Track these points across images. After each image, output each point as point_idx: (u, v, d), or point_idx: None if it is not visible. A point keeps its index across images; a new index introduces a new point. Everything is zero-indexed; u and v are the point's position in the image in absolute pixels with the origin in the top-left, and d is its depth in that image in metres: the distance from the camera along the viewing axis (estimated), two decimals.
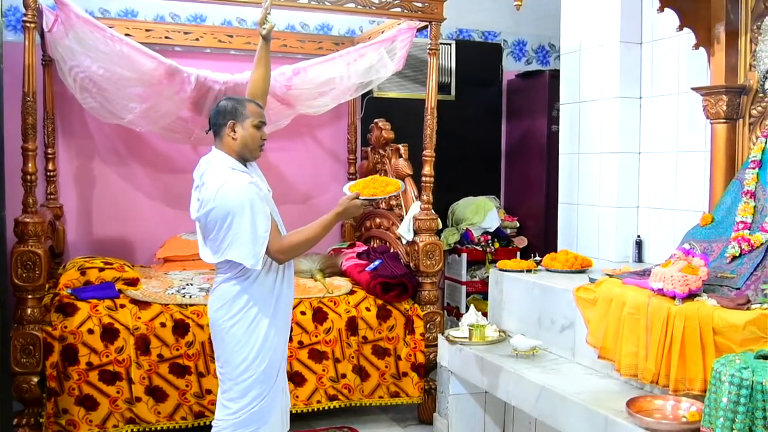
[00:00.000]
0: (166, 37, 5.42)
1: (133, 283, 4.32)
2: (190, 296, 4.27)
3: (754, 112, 3.58)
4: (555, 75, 5.38)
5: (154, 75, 4.52)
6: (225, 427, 3.12)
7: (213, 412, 4.06)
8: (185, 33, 5.48)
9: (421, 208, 4.65)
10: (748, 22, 3.58)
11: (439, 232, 4.79)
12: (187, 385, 4.12)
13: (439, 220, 4.71)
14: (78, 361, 3.96)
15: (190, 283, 4.51)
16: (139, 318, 4.10)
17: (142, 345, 4.06)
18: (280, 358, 3.18)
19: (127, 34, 4.91)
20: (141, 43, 4.60)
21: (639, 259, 4.31)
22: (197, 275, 4.82)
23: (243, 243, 2.96)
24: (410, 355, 4.52)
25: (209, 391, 4.13)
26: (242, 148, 3.13)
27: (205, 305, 4.18)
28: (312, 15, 5.78)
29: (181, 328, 4.13)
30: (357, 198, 3.23)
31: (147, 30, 5.36)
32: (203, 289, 4.38)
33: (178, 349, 4.11)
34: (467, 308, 4.34)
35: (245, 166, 3.16)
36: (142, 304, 4.17)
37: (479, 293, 6.04)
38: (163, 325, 4.11)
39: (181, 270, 5.05)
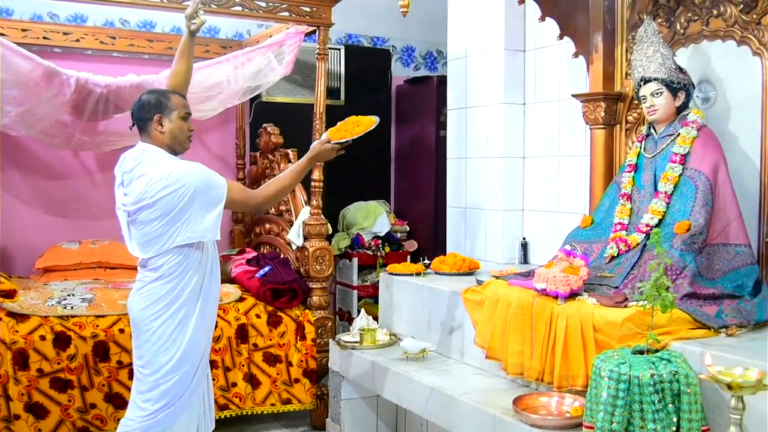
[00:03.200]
0: (44, 38, 5.21)
1: (9, 294, 4.11)
2: (72, 307, 4.11)
3: (630, 118, 3.74)
4: (443, 81, 5.47)
5: (31, 77, 4.33)
6: (135, 427, 3.05)
7: (98, 428, 3.96)
8: (65, 33, 5.29)
9: (310, 213, 4.63)
10: (624, 32, 3.74)
11: (329, 237, 4.78)
12: (69, 400, 3.95)
13: (329, 224, 4.70)
14: None
15: (71, 294, 4.34)
16: (17, 331, 3.91)
17: (20, 360, 3.87)
18: (199, 359, 3.13)
19: (1, 34, 4.70)
20: (17, 43, 4.42)
21: (525, 260, 4.42)
22: (79, 285, 4.64)
23: (199, 219, 2.95)
24: (302, 361, 4.48)
25: (93, 406, 3.98)
26: (172, 141, 3.09)
27: (88, 316, 4.07)
28: None
29: (62, 341, 3.96)
30: (328, 142, 3.29)
31: (23, 30, 5.14)
32: (86, 299, 4.22)
33: (59, 363, 3.94)
34: (359, 313, 4.35)
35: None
36: (20, 317, 3.97)
37: (371, 297, 6.06)
38: (42, 338, 3.93)
39: (62, 280, 4.86)
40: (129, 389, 3.99)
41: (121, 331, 4.05)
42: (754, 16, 3.17)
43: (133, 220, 3.03)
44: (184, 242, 2.98)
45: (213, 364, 4.24)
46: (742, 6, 3.20)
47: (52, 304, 4.12)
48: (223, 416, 4.29)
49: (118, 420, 3.96)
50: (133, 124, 3.15)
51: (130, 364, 4.03)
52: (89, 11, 5.44)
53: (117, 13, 5.52)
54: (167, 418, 3.05)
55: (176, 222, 2.95)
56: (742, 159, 3.22)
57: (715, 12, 3.32)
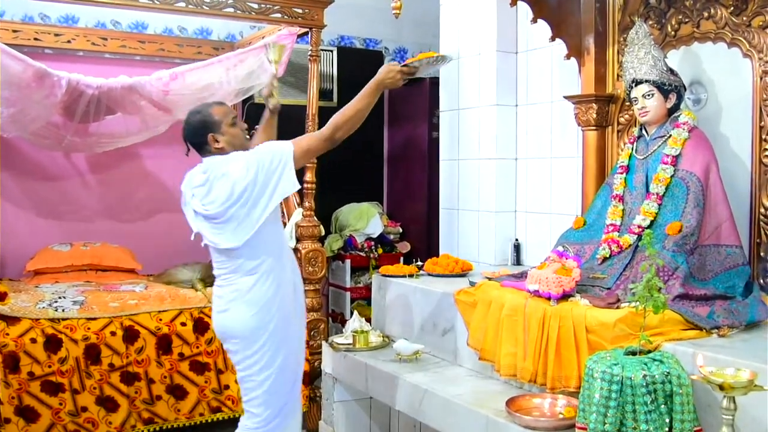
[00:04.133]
0: (36, 39, 5.19)
1: (0, 297, 4.10)
2: (63, 310, 4.09)
3: (621, 119, 3.75)
4: (435, 82, 5.47)
5: (22, 78, 4.31)
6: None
7: (88, 431, 3.93)
8: (56, 35, 5.27)
9: (303, 215, 4.63)
10: (615, 34, 3.75)
11: (322, 239, 4.77)
12: (60, 404, 3.94)
13: (321, 226, 4.70)
14: None
15: (62, 296, 4.32)
16: (7, 334, 3.89)
17: (11, 363, 3.85)
18: (301, 353, 3.30)
19: None
20: (7, 44, 4.39)
21: (517, 261, 4.42)
22: (70, 288, 4.62)
23: (280, 183, 3.01)
24: None
25: (85, 409, 3.96)
26: (232, 148, 3.13)
27: (79, 319, 4.04)
28: (191, 19, 5.66)
29: (53, 344, 3.94)
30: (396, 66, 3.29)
31: (14, 31, 5.11)
32: (77, 302, 4.20)
33: (50, 366, 3.93)
34: (352, 314, 4.34)
35: None
36: (11, 320, 3.95)
37: (364, 299, 6.06)
38: (33, 341, 3.91)
39: (53, 283, 4.83)
40: (121, 392, 4.02)
41: (113, 333, 4.04)
42: (744, 18, 3.18)
43: (223, 220, 3.03)
44: (274, 206, 3.03)
45: (205, 367, 4.24)
46: (732, 8, 3.22)
47: (43, 307, 4.10)
48: (216, 419, 4.29)
49: (110, 423, 3.98)
50: (189, 150, 3.19)
51: (122, 367, 4.04)
52: (81, 12, 5.42)
53: (108, 14, 5.50)
54: (289, 417, 3.19)
55: (267, 200, 3.00)
56: (733, 160, 3.24)
57: (705, 14, 3.33)
